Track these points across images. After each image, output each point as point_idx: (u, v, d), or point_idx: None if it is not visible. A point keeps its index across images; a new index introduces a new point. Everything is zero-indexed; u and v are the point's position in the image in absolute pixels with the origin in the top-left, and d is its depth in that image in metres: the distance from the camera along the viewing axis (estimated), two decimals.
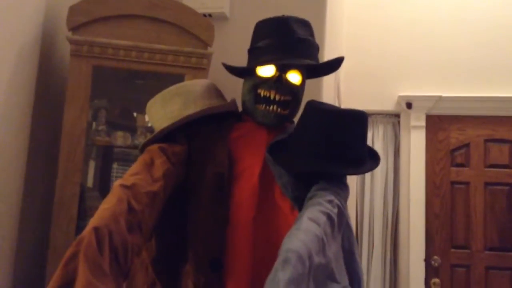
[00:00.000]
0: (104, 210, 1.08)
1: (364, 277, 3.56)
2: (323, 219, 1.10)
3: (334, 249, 1.13)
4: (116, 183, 1.17)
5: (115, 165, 2.39)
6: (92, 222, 1.04)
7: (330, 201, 1.17)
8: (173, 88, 1.43)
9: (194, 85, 1.45)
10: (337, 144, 1.25)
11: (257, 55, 1.36)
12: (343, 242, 1.25)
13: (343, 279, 1.15)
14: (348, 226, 1.31)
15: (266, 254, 1.21)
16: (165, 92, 1.43)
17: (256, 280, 1.21)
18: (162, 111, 1.41)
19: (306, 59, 1.33)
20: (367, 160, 1.33)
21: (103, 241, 1.01)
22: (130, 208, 1.11)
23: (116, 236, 1.04)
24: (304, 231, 1.04)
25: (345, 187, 1.30)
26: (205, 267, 1.25)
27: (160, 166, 1.23)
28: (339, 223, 1.17)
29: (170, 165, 1.25)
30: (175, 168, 1.27)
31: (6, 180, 1.83)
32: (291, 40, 1.32)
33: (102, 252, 1.00)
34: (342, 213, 1.20)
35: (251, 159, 1.34)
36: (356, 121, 1.28)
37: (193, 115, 1.34)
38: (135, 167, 1.24)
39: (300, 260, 0.95)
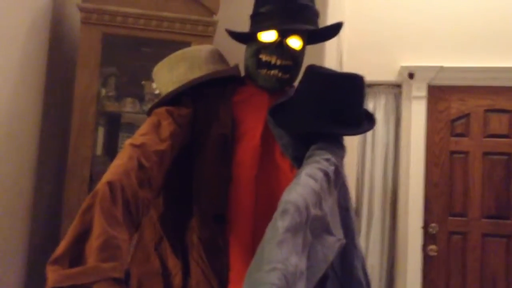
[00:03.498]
0: (116, 167, 1.14)
1: (363, 244, 3.66)
2: (320, 175, 1.16)
3: (330, 204, 1.19)
4: (126, 142, 1.22)
5: (122, 133, 2.44)
6: (106, 176, 1.10)
7: (327, 160, 1.22)
8: (179, 53, 1.47)
9: (199, 50, 1.49)
10: (334, 106, 1.29)
11: (259, 21, 1.40)
12: (338, 199, 1.30)
13: (338, 232, 1.21)
14: (344, 184, 1.36)
15: (267, 210, 1.23)
16: (171, 56, 1.47)
17: (257, 234, 1.24)
18: (168, 75, 1.45)
19: (306, 24, 1.37)
20: (363, 122, 1.37)
21: (116, 193, 1.07)
22: (140, 165, 1.16)
23: (128, 189, 1.10)
24: (302, 185, 1.10)
25: (341, 147, 1.35)
26: (209, 222, 1.31)
27: (167, 127, 1.28)
28: (335, 180, 1.23)
29: (176, 126, 1.30)
30: (181, 129, 1.31)
31: (21, 143, 1.89)
32: (292, 6, 1.35)
33: (115, 204, 1.06)
34: (338, 171, 1.25)
35: (253, 121, 1.39)
36: (353, 84, 1.32)
37: (198, 79, 1.38)
38: (144, 128, 1.29)
39: (297, 211, 1.03)
